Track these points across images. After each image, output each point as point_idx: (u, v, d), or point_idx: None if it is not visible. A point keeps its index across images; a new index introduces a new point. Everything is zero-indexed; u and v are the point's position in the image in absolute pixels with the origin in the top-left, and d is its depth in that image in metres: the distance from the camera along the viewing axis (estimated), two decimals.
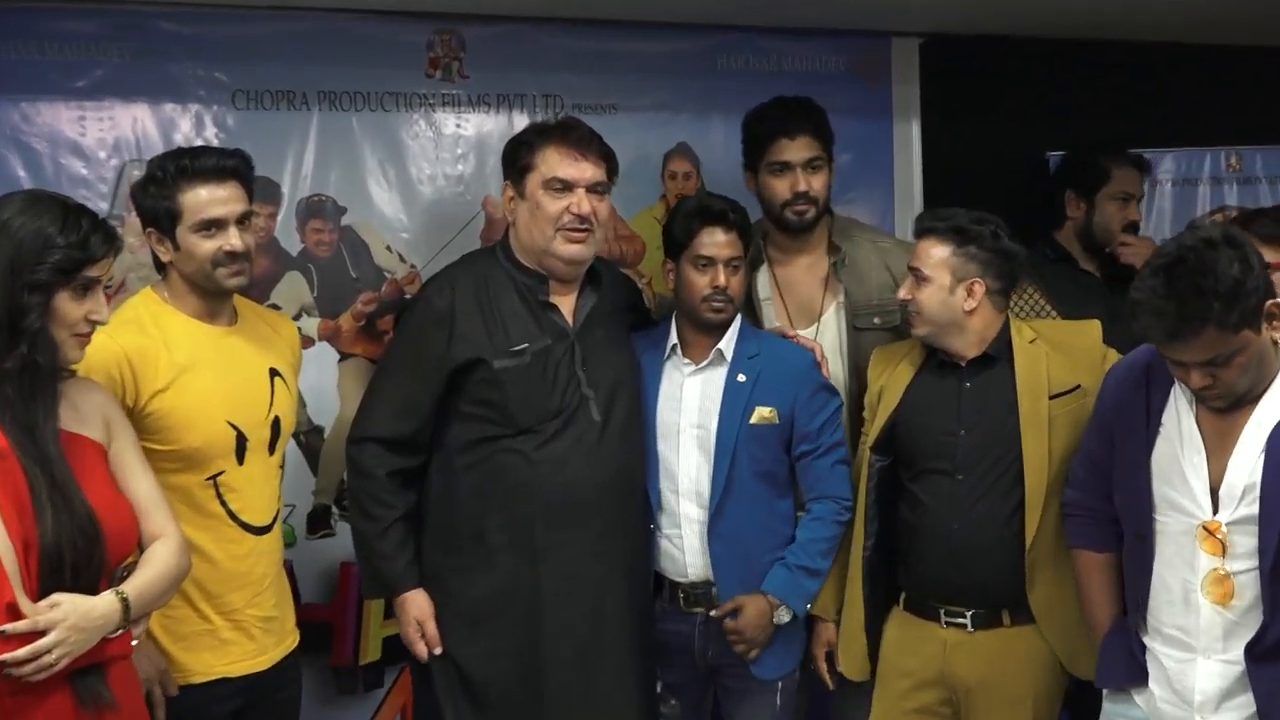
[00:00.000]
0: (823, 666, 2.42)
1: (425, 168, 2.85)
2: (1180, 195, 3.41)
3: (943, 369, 2.28)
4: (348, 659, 2.77)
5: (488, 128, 2.86)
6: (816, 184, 2.60)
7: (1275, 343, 1.81)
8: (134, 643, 1.86)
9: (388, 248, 2.83)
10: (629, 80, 2.95)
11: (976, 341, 2.24)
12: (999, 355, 2.23)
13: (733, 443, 2.35)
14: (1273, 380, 1.82)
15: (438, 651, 2.32)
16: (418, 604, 2.33)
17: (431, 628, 2.31)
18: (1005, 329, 2.25)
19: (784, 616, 2.36)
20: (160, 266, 2.17)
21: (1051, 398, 2.18)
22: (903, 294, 2.26)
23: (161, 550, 1.88)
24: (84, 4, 2.60)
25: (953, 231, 2.22)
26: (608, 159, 2.38)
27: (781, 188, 2.58)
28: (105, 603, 1.78)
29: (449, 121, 2.86)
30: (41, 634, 1.69)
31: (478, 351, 2.29)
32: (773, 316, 2.65)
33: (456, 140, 2.87)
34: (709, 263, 2.35)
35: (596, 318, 2.41)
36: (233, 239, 2.09)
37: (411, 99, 2.82)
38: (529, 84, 2.89)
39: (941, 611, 2.24)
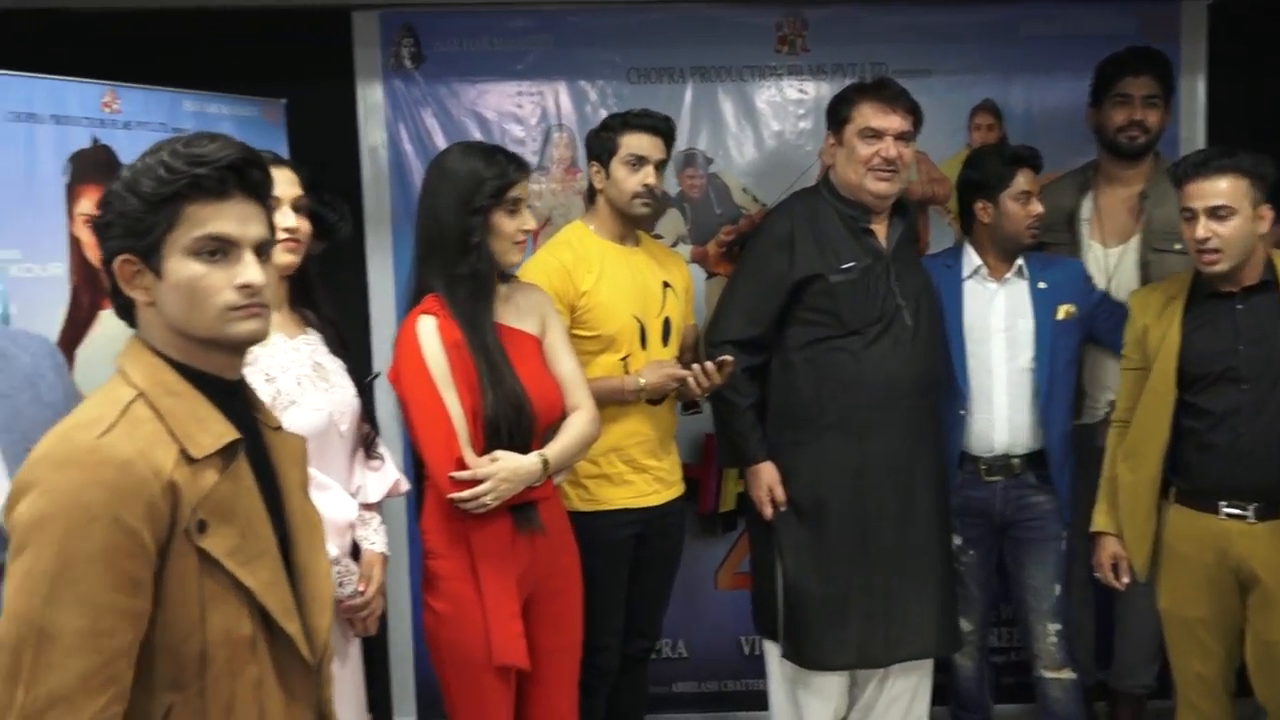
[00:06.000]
0: (1110, 576, 2.64)
1: (774, 125, 3.33)
2: None
3: (1213, 299, 2.43)
4: (709, 507, 3.25)
5: (824, 92, 3.24)
6: (1151, 118, 2.92)
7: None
8: (556, 483, 2.36)
9: (744, 190, 3.33)
10: (942, 47, 3.28)
11: (1254, 269, 2.38)
12: (1269, 279, 2.39)
13: (1049, 338, 2.76)
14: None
15: (783, 509, 2.72)
16: (768, 472, 2.71)
17: (780, 491, 2.71)
18: (1269, 257, 2.42)
19: None
20: (591, 200, 2.80)
21: None
22: (1201, 232, 2.32)
23: (577, 420, 2.35)
24: (520, 5, 3.28)
25: (1250, 163, 2.33)
26: (914, 112, 2.67)
27: (1120, 116, 2.93)
28: (530, 462, 2.22)
29: (793, 88, 3.32)
30: (480, 482, 2.17)
31: (816, 268, 2.65)
32: (1087, 235, 2.99)
33: (799, 103, 3.32)
34: (1029, 195, 2.77)
35: (903, 243, 2.77)
36: (649, 177, 2.68)
37: (763, 70, 3.31)
38: (858, 54, 3.28)
39: (1221, 504, 2.40)
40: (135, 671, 1.30)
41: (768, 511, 2.73)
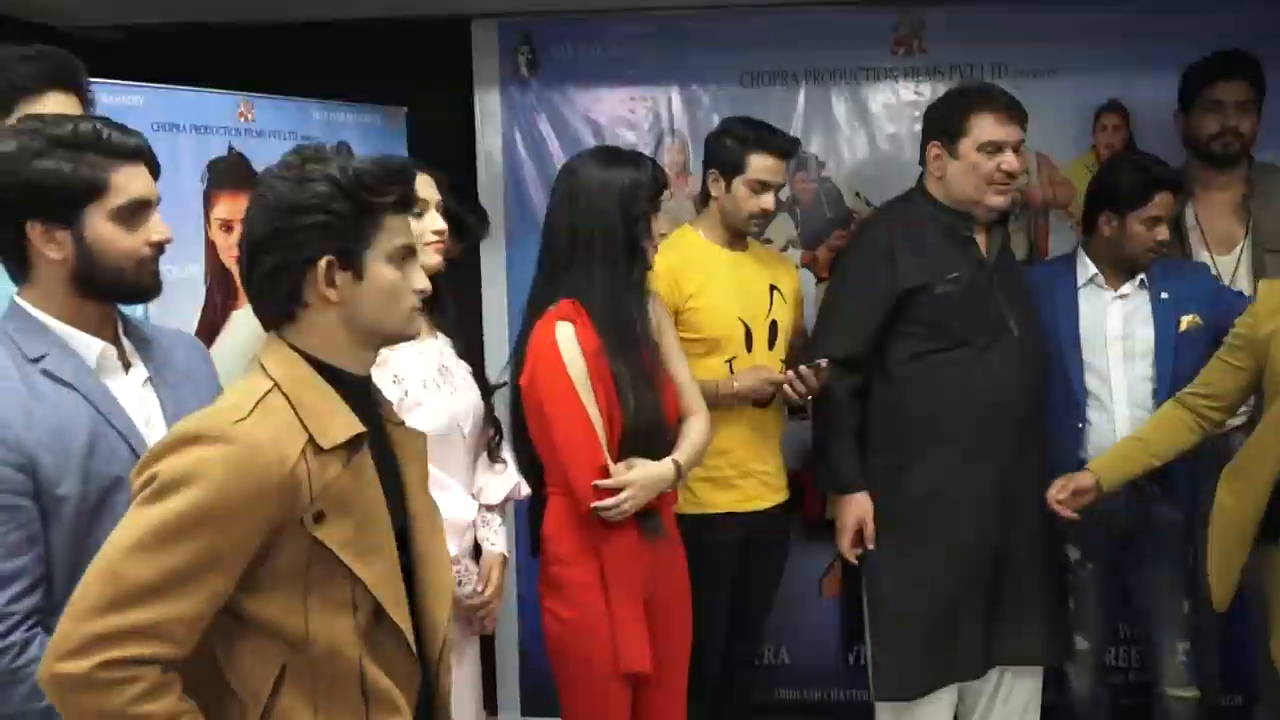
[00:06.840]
0: (1054, 494, 2.58)
1: (888, 128, 3.31)
2: None
3: None
4: (815, 515, 3.25)
5: (941, 93, 3.03)
6: (1245, 124, 2.85)
7: None
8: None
9: (856, 194, 3.33)
10: (1066, 47, 3.18)
11: None
12: None
13: (1171, 350, 2.70)
14: None
15: (870, 548, 2.68)
16: (861, 504, 2.68)
17: (870, 526, 2.67)
18: None
19: None
20: (704, 203, 2.82)
21: None
22: None
23: (697, 425, 2.38)
24: (636, 11, 3.33)
25: None
26: (1025, 118, 2.65)
27: (1212, 123, 2.86)
28: (666, 468, 2.26)
29: (908, 90, 3.30)
30: (619, 489, 2.20)
31: (921, 279, 2.61)
32: (1196, 243, 2.92)
33: (915, 105, 3.25)
34: (1158, 220, 2.67)
35: (1003, 252, 2.76)
36: (770, 203, 2.70)
37: (878, 72, 3.29)
38: (979, 55, 3.21)
39: None
40: (255, 629, 1.40)
41: (844, 542, 2.71)
